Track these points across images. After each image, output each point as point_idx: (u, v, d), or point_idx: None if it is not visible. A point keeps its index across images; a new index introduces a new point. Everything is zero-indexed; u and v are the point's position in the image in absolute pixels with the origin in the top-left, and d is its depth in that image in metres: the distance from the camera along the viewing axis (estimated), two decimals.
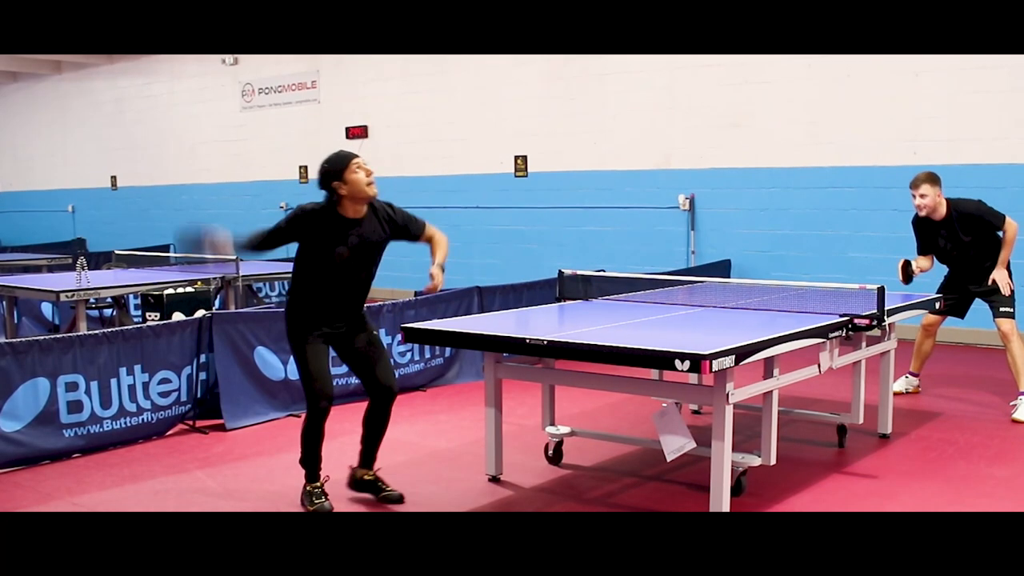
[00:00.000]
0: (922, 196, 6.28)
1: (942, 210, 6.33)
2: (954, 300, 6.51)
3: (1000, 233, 6.32)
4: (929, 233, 6.46)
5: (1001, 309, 6.32)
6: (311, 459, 4.61)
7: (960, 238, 6.33)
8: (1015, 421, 6.10)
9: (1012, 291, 6.37)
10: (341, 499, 4.73)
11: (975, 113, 8.76)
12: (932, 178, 6.30)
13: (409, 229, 4.63)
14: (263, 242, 4.39)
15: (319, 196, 4.45)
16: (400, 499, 4.65)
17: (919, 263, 6.50)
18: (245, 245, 4.40)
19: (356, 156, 4.38)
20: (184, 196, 15.97)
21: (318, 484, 4.61)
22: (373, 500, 4.70)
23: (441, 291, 7.57)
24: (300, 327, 4.49)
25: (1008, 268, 6.41)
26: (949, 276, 6.60)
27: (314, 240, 4.37)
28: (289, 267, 10.17)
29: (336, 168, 4.34)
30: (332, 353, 4.62)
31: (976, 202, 6.36)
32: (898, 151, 9.12)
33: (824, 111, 9.58)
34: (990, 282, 6.32)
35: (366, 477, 4.72)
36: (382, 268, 4.66)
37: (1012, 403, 6.27)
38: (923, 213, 6.34)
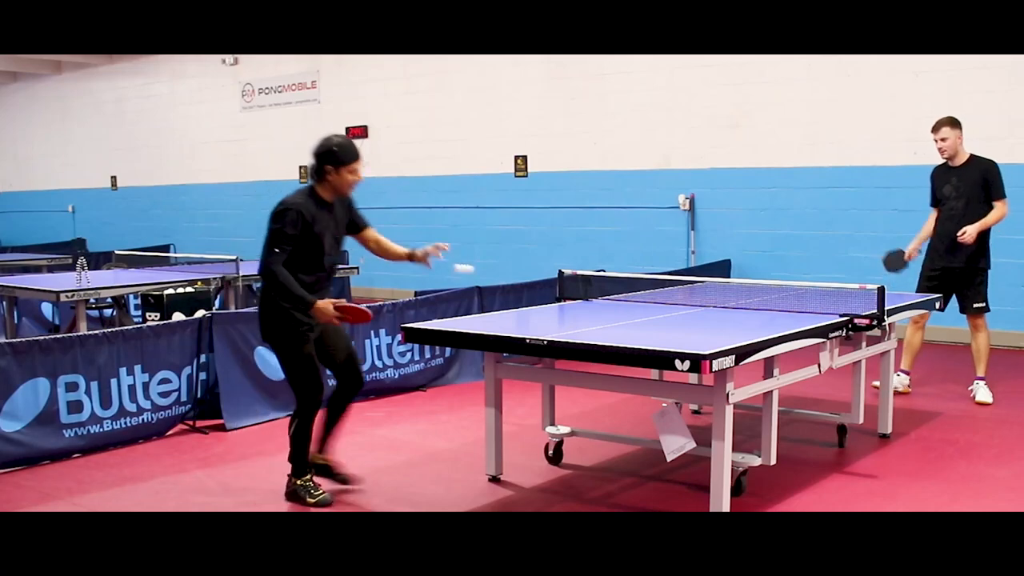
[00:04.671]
0: (943, 139, 6.47)
1: (963, 156, 6.52)
2: (937, 280, 6.57)
3: (993, 205, 6.46)
4: (941, 179, 6.62)
5: (975, 305, 6.54)
6: (302, 455, 4.66)
7: (966, 187, 6.46)
8: (980, 403, 6.45)
9: (985, 286, 6.56)
10: (339, 499, 4.73)
11: (975, 113, 8.74)
12: (953, 121, 6.49)
13: (355, 222, 4.69)
14: (280, 258, 4.32)
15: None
16: (347, 481, 4.73)
17: (927, 225, 6.66)
18: (276, 271, 4.31)
19: (359, 158, 4.43)
20: (184, 196, 15.96)
21: (308, 478, 4.67)
22: (371, 500, 4.70)
23: (441, 291, 7.61)
24: (292, 322, 4.47)
25: (988, 256, 6.58)
26: (932, 245, 6.68)
27: (306, 229, 4.38)
28: None
29: (341, 158, 4.39)
30: None
31: (993, 162, 6.52)
32: (898, 151, 9.12)
33: (824, 111, 9.57)
34: (962, 232, 6.36)
35: (321, 461, 4.78)
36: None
37: (970, 388, 6.60)
38: (945, 156, 6.53)
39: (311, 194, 4.45)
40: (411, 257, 4.69)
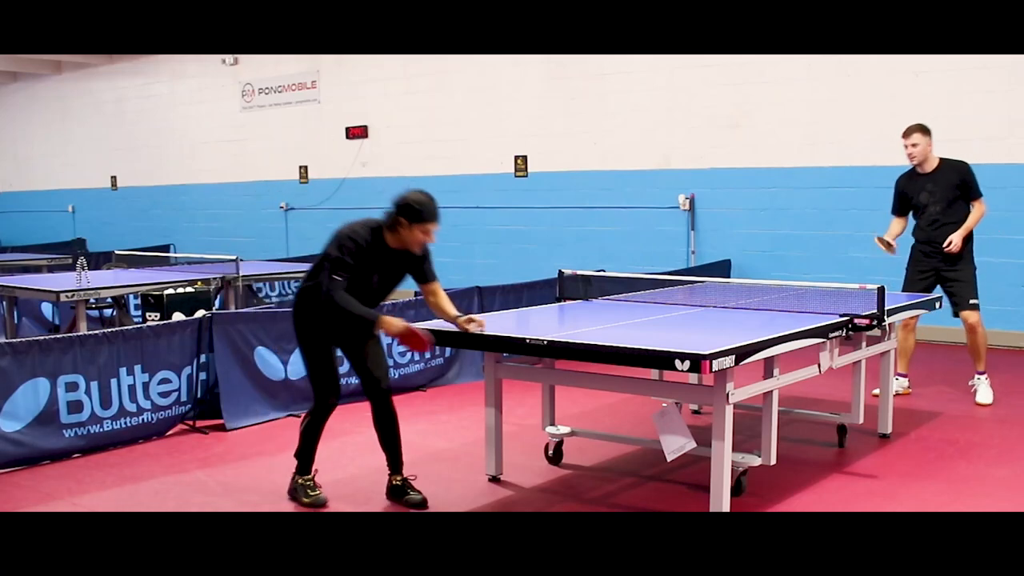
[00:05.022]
0: (913, 145, 6.46)
1: (933, 162, 6.48)
2: (927, 278, 6.54)
3: (971, 207, 6.44)
4: (913, 188, 6.58)
5: (970, 301, 6.47)
6: (309, 452, 4.68)
7: (943, 192, 6.44)
8: (980, 404, 6.43)
9: (975, 283, 6.50)
10: (340, 499, 4.73)
11: (975, 113, 8.76)
12: (924, 128, 6.47)
13: (425, 272, 4.63)
14: (343, 283, 4.32)
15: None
16: (421, 503, 4.61)
17: (892, 231, 6.62)
18: (338, 295, 4.31)
19: (437, 222, 4.40)
20: (184, 196, 15.97)
21: (310, 477, 4.69)
22: (371, 500, 4.70)
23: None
24: (315, 329, 4.52)
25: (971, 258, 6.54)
26: (915, 248, 6.64)
27: (357, 260, 4.38)
28: (289, 268, 10.09)
29: (420, 216, 4.34)
30: (339, 352, 4.67)
31: (966, 164, 6.49)
32: (898, 151, 9.04)
33: (824, 111, 9.57)
34: (947, 242, 6.34)
35: (395, 483, 4.70)
36: None
37: (971, 384, 6.59)
38: (915, 162, 6.50)
39: (375, 233, 4.41)
40: (455, 321, 4.62)
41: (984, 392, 6.52)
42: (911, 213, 6.68)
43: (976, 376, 6.60)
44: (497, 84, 12.01)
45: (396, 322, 4.32)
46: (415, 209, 4.34)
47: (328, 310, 4.38)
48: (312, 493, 4.65)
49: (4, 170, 19.40)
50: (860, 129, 9.36)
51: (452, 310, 4.60)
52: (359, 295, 4.39)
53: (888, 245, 6.52)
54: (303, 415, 4.72)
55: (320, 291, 4.37)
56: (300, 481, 4.68)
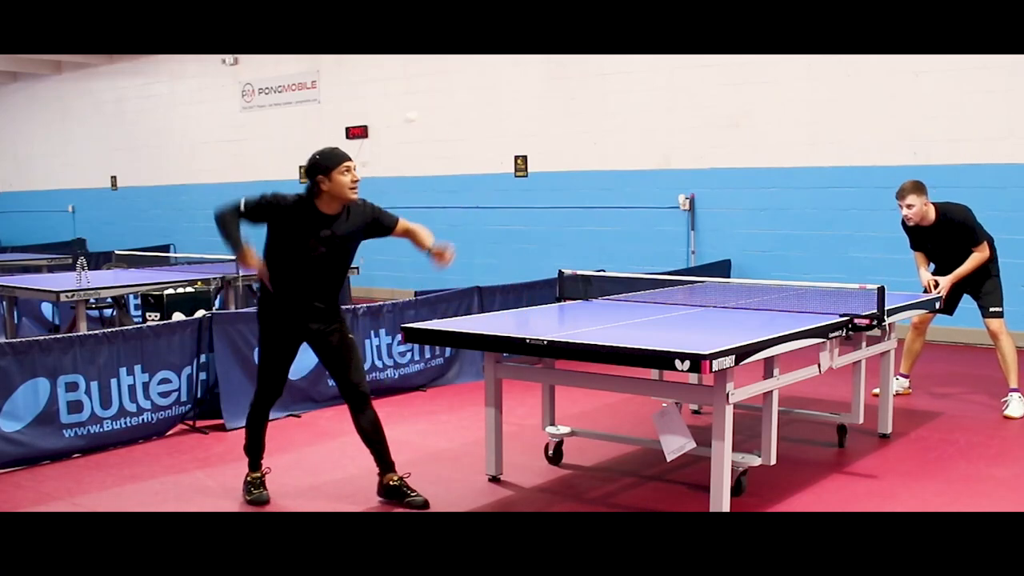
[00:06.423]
0: (908, 207, 6.29)
1: (931, 216, 6.34)
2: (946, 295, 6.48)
3: (973, 249, 6.30)
4: (918, 237, 6.51)
5: (991, 309, 6.37)
6: (253, 447, 4.70)
7: (947, 242, 6.37)
8: (1007, 417, 6.17)
9: (1000, 291, 6.41)
10: (340, 499, 4.73)
11: (975, 113, 8.76)
12: (918, 187, 6.29)
13: (381, 222, 4.62)
14: (237, 209, 4.38)
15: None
16: (424, 504, 4.58)
17: (921, 266, 6.51)
18: (224, 214, 4.37)
19: (349, 159, 4.41)
20: (184, 196, 15.96)
21: (258, 475, 4.71)
22: (372, 500, 4.70)
23: (441, 291, 7.61)
24: (270, 319, 4.54)
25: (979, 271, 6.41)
26: (936, 272, 6.57)
27: (286, 230, 4.39)
28: None
29: (326, 164, 4.37)
30: (308, 349, 4.66)
31: (964, 210, 6.35)
32: (898, 151, 9.12)
33: (824, 111, 9.57)
34: (937, 288, 6.29)
35: (391, 483, 4.65)
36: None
37: (1004, 400, 6.32)
38: (911, 223, 6.37)
39: (306, 200, 4.41)
40: (430, 251, 4.61)
41: (1016, 405, 6.23)
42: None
43: (1010, 394, 6.29)
44: (497, 84, 12.00)
45: (252, 255, 4.35)
46: (322, 160, 4.37)
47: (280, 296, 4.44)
48: (254, 492, 4.68)
49: (4, 170, 19.40)
50: (860, 129, 9.36)
51: (427, 242, 4.60)
52: (310, 271, 4.41)
53: (936, 285, 6.37)
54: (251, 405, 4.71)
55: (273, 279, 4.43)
56: (248, 478, 4.72)
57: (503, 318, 5.61)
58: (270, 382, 4.61)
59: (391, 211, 4.69)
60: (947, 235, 6.35)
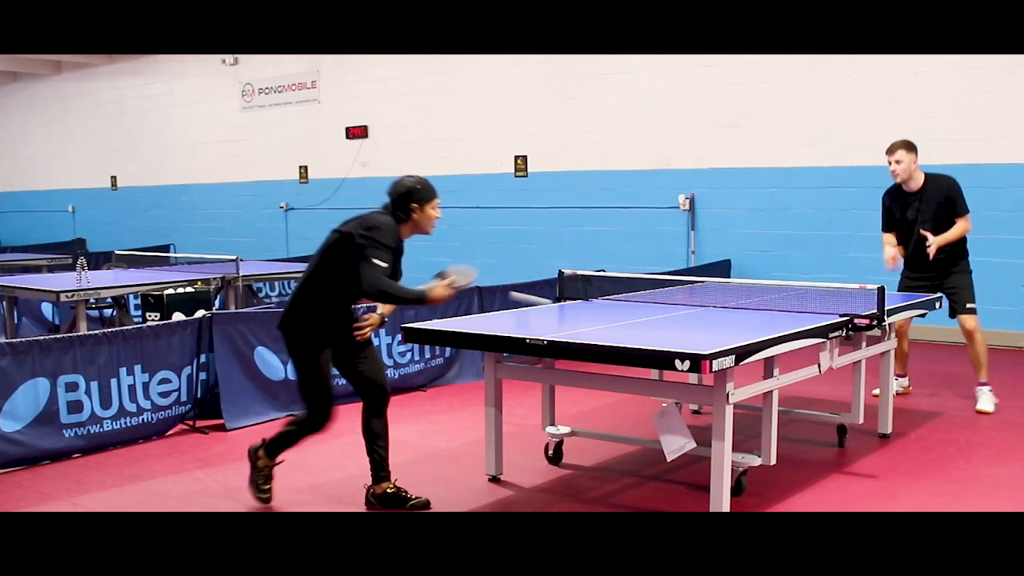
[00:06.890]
0: (897, 162, 6.28)
1: (918, 180, 6.33)
2: (924, 283, 6.44)
3: (956, 219, 6.30)
4: (900, 204, 6.44)
5: (968, 306, 6.37)
6: (282, 446, 4.61)
7: (930, 210, 6.31)
8: (980, 412, 6.27)
9: (973, 287, 6.41)
10: (340, 499, 4.73)
11: (975, 113, 8.75)
12: (909, 145, 6.30)
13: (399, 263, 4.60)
14: (384, 272, 4.24)
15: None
16: (426, 504, 4.57)
17: (887, 246, 6.48)
18: (386, 288, 4.24)
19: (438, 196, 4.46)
20: (184, 196, 15.97)
21: (271, 465, 4.64)
22: (366, 500, 4.69)
23: None
24: (315, 339, 4.45)
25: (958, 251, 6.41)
26: (910, 258, 6.52)
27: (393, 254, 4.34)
28: (289, 268, 10.06)
29: (424, 196, 4.39)
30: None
31: (953, 179, 6.36)
32: None
33: (824, 111, 9.57)
34: (929, 242, 6.23)
35: (388, 491, 4.58)
36: None
37: (977, 390, 6.41)
38: (899, 179, 6.33)
39: (398, 229, 4.38)
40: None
41: (985, 399, 6.34)
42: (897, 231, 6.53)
43: (977, 387, 6.41)
44: (497, 84, 12.00)
45: (438, 288, 4.28)
46: (421, 190, 4.39)
47: (329, 311, 4.37)
48: (264, 487, 4.62)
49: (4, 170, 19.40)
50: (860, 129, 9.35)
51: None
52: (360, 288, 4.34)
53: (894, 259, 6.40)
54: (300, 419, 4.58)
55: (320, 293, 4.37)
56: (261, 465, 4.60)
57: (503, 318, 5.60)
58: (318, 400, 4.46)
59: None
60: (930, 204, 6.30)
